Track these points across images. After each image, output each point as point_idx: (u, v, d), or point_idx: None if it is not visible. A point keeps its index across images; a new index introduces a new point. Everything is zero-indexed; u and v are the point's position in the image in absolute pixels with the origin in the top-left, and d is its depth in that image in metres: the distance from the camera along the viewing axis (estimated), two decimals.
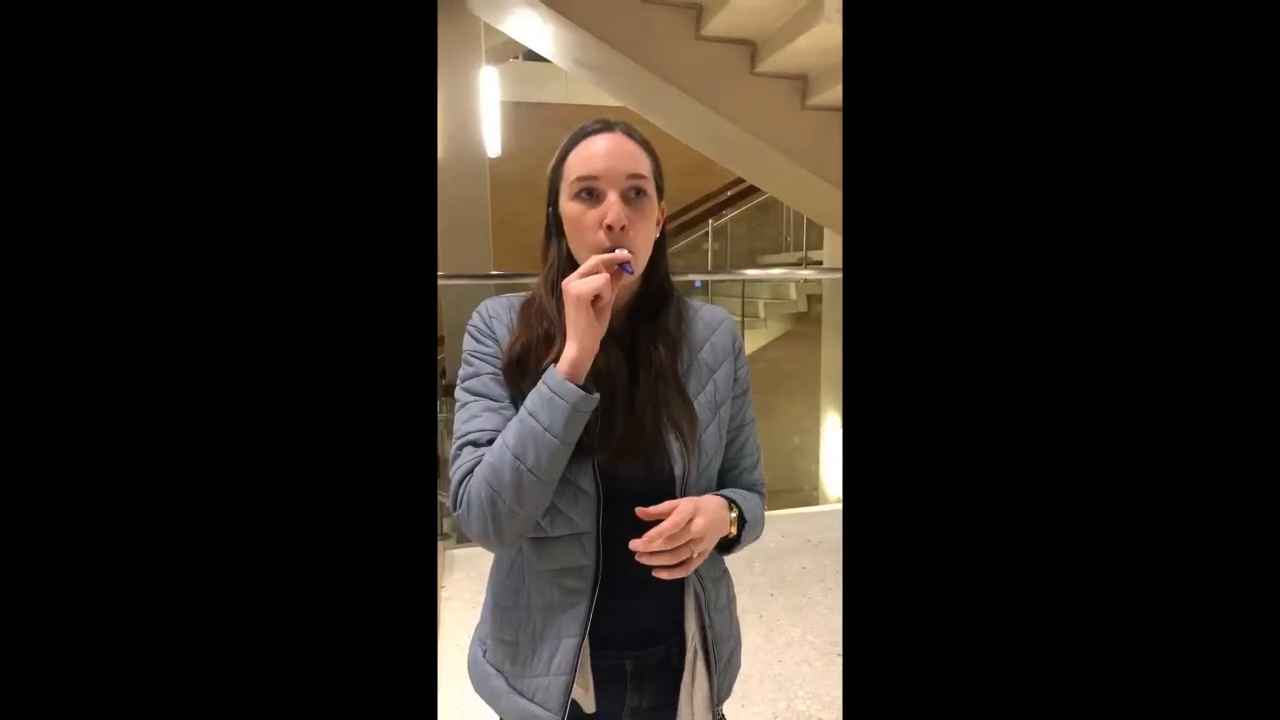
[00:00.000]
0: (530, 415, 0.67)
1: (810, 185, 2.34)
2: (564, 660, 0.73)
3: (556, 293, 0.72)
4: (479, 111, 3.24)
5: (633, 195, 0.71)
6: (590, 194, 0.71)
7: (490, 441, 0.70)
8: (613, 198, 0.70)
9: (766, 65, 2.12)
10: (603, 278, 0.66)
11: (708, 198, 5.64)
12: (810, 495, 5.09)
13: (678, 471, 0.73)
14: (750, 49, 2.16)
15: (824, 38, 1.91)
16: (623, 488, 0.71)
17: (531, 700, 0.74)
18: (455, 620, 2.12)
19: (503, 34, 2.70)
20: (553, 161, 0.76)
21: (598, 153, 0.72)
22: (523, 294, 0.80)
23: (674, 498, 0.73)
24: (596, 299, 0.66)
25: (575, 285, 0.66)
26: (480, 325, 0.77)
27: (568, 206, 0.72)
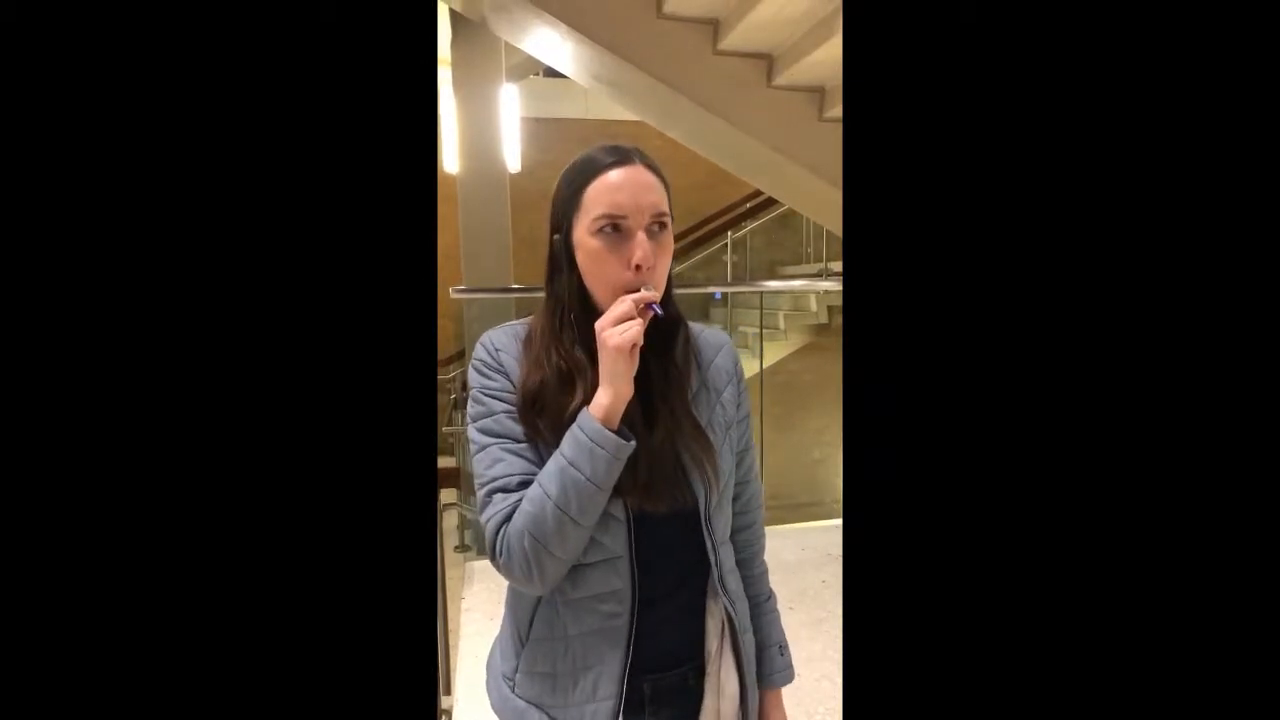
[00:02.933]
0: (570, 465, 0.66)
1: (828, 196, 2.34)
2: (608, 686, 0.72)
3: (571, 329, 0.73)
4: (500, 128, 3.29)
5: (655, 230, 0.71)
6: (615, 230, 0.69)
7: (520, 485, 0.70)
8: (641, 236, 0.69)
9: (783, 78, 2.13)
10: (639, 326, 0.66)
11: (727, 210, 5.65)
12: (831, 508, 5.03)
13: (700, 499, 0.74)
14: (767, 63, 2.17)
15: (840, 51, 1.91)
16: (651, 512, 0.72)
17: None
18: (475, 631, 2.13)
19: (522, 52, 2.74)
20: (562, 190, 0.74)
21: (623, 188, 0.69)
22: (524, 321, 0.79)
23: (699, 522, 0.75)
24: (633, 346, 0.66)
25: (615, 337, 0.66)
26: (487, 359, 0.76)
27: (587, 241, 0.71)
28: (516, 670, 0.77)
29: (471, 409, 0.76)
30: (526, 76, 4.58)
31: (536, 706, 0.75)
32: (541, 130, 5.19)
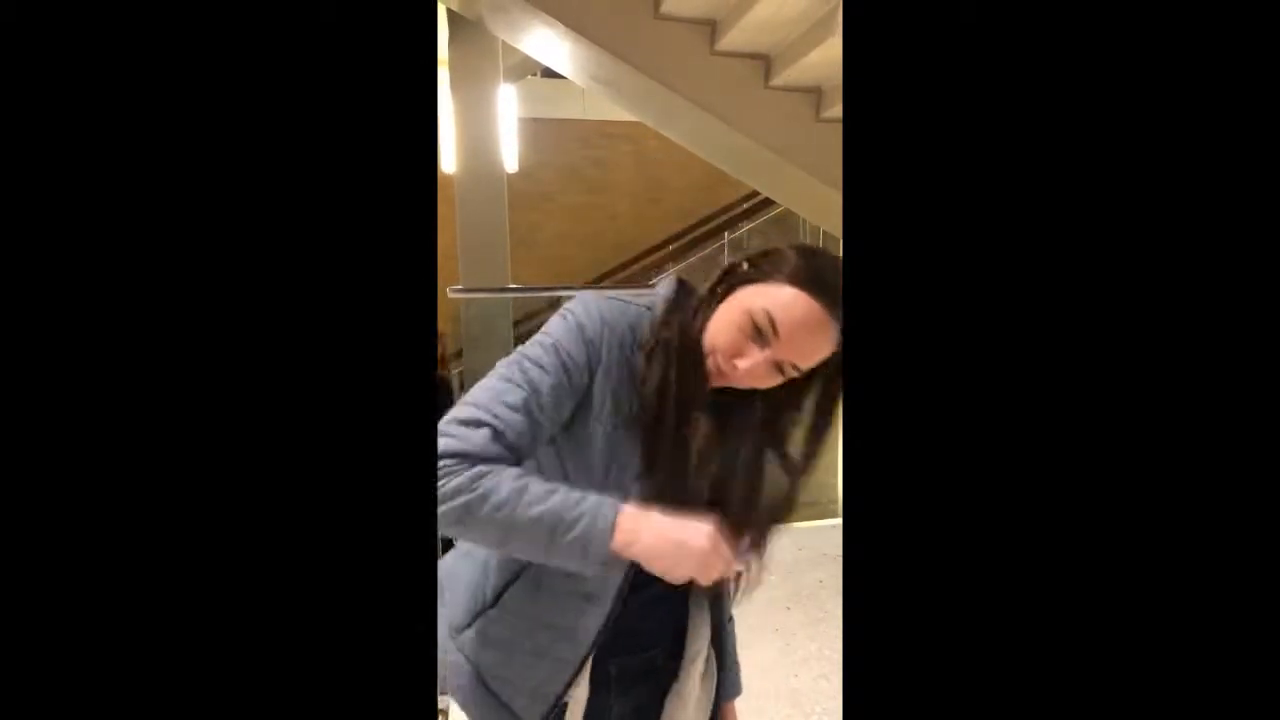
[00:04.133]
0: (561, 545, 0.60)
1: (825, 197, 2.34)
2: (567, 672, 0.70)
3: (689, 344, 0.68)
4: (497, 128, 3.28)
5: (781, 370, 0.67)
6: (760, 334, 0.65)
7: (509, 447, 0.63)
8: (765, 358, 0.65)
9: (780, 79, 2.13)
10: (723, 575, 0.61)
11: (724, 209, 5.64)
12: (829, 508, 5.02)
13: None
14: (764, 63, 2.17)
15: (837, 51, 1.92)
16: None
17: (509, 705, 0.70)
18: None
19: (520, 52, 2.74)
20: (784, 254, 0.68)
21: (805, 325, 0.64)
22: (640, 301, 0.72)
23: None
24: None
25: (704, 568, 0.59)
26: (591, 326, 0.67)
27: (739, 310, 0.66)
28: (467, 627, 0.73)
29: (533, 350, 0.67)
30: (524, 77, 4.57)
31: (478, 669, 0.71)
32: (539, 131, 5.18)
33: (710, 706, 0.81)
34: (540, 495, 0.60)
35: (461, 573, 0.77)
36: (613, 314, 0.69)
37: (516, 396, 0.64)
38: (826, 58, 1.97)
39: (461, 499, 0.59)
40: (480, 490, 0.60)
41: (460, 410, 0.64)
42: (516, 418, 0.63)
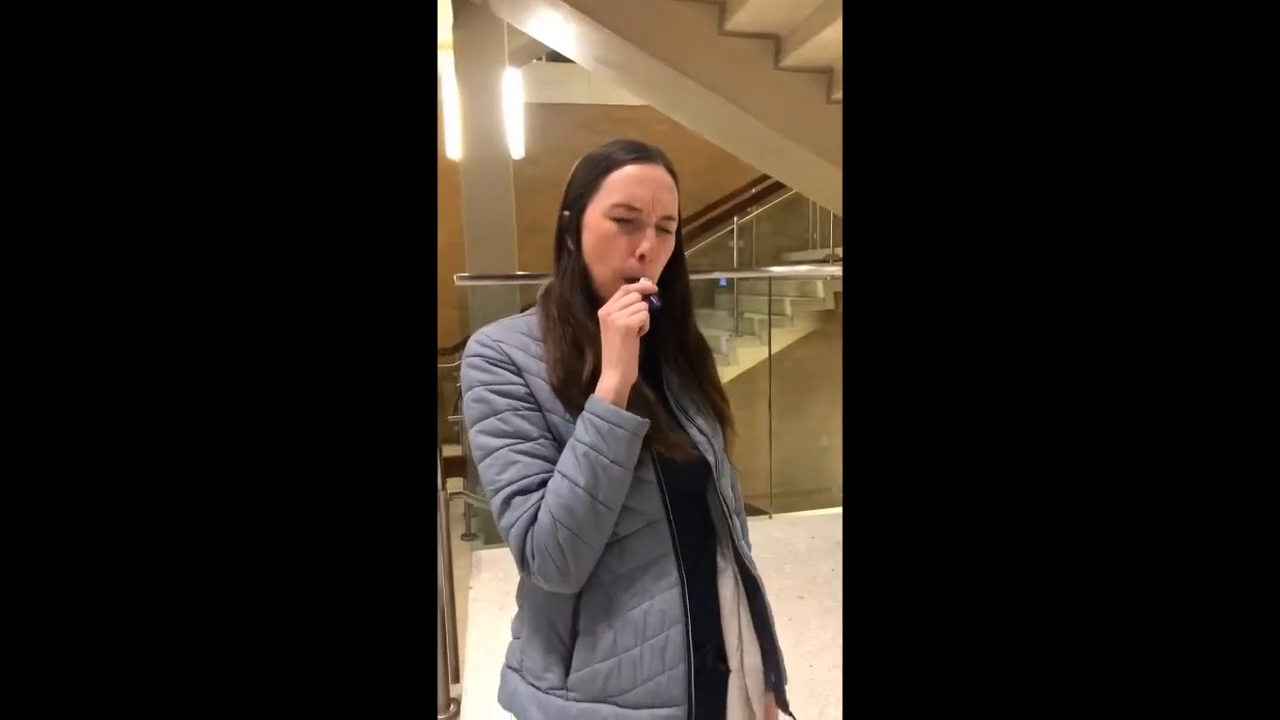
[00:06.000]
0: (592, 449, 0.67)
1: (836, 180, 2.30)
2: (675, 650, 0.71)
3: (579, 300, 0.75)
4: (503, 113, 3.26)
5: (662, 229, 0.75)
6: (628, 219, 0.74)
7: (540, 485, 0.69)
8: (649, 230, 0.74)
9: (791, 60, 2.09)
10: (645, 310, 0.69)
11: (732, 194, 5.61)
12: (839, 496, 5.02)
13: (711, 459, 0.77)
14: (774, 43, 2.13)
15: None
16: (675, 473, 0.73)
17: (653, 708, 0.70)
18: (483, 620, 2.13)
19: (525, 35, 2.71)
20: (581, 172, 0.77)
21: (644, 183, 0.74)
22: (519, 316, 0.80)
23: (714, 482, 0.77)
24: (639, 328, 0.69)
25: (623, 318, 0.69)
26: (486, 351, 0.73)
27: (600, 223, 0.74)
28: (568, 673, 0.73)
29: (472, 410, 0.72)
30: (529, 61, 4.54)
31: (602, 702, 0.71)
32: (545, 115, 5.15)
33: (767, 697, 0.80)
34: (565, 458, 0.69)
35: (535, 635, 0.77)
36: (500, 330, 0.77)
37: (504, 455, 0.70)
38: (837, 37, 1.93)
39: (561, 531, 0.67)
40: (552, 512, 0.67)
41: (493, 502, 0.71)
42: (518, 466, 0.70)
